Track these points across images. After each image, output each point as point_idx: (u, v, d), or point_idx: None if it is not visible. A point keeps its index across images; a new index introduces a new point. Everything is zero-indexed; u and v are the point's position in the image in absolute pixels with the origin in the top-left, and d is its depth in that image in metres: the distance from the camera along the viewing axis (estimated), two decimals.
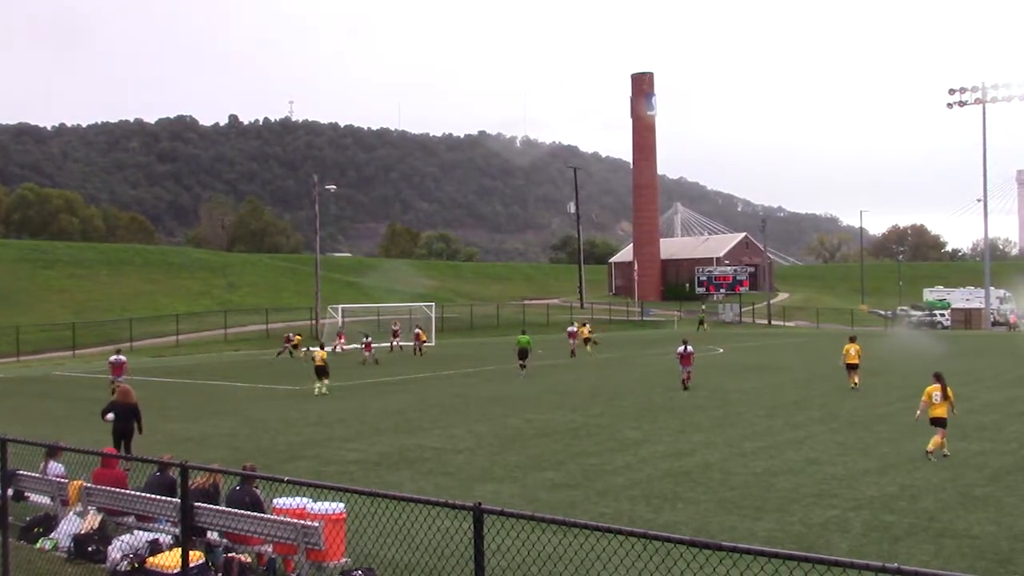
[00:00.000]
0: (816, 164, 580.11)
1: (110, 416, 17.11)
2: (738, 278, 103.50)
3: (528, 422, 22.85)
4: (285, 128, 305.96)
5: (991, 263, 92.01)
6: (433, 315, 63.97)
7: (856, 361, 29.37)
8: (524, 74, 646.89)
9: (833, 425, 21.62)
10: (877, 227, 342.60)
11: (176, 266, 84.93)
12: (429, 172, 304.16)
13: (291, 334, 53.00)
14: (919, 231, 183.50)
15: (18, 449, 11.78)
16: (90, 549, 10.93)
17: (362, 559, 9.95)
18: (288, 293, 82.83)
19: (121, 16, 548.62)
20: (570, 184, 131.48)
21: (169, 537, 10.66)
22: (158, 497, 10.63)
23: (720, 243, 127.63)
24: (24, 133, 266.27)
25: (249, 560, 10.24)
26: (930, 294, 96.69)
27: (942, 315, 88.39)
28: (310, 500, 9.97)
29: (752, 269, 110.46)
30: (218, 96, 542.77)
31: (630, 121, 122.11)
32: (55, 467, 12.64)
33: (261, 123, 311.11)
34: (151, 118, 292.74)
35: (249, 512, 9.92)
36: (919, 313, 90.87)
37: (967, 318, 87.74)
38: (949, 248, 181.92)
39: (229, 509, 10.06)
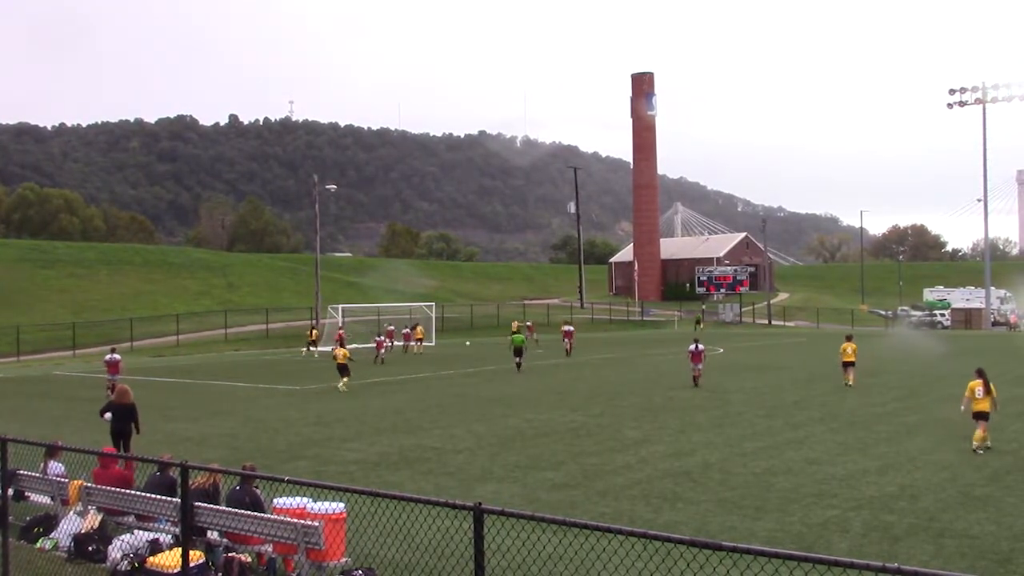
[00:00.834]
0: (816, 164, 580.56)
1: (108, 416, 17.11)
2: (738, 278, 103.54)
3: (528, 422, 22.85)
4: (285, 128, 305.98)
5: (991, 263, 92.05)
6: (433, 315, 64.01)
7: (852, 359, 30.23)
8: (524, 74, 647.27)
9: (833, 425, 21.62)
10: (877, 227, 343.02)
11: (176, 266, 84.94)
12: (429, 172, 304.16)
13: (315, 331, 53.94)
14: (919, 231, 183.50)
15: (18, 449, 11.79)
16: (90, 549, 10.93)
17: (362, 559, 9.95)
18: (288, 293, 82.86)
19: (121, 16, 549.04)
20: (570, 184, 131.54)
21: (169, 537, 10.66)
22: (158, 497, 10.63)
23: (720, 243, 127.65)
24: (24, 133, 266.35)
25: (249, 560, 10.24)
26: (930, 294, 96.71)
27: (942, 315, 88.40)
28: (310, 500, 9.97)
29: (752, 269, 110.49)
30: (218, 96, 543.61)
31: (630, 121, 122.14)
32: (55, 467, 12.64)
33: (261, 123, 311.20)
34: (151, 118, 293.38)
35: (249, 512, 9.92)
36: (919, 313, 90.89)
37: (967, 318, 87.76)
38: (949, 248, 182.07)
39: (229, 509, 10.06)
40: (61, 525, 11.64)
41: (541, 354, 49.37)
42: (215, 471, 10.74)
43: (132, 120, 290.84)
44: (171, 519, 10.51)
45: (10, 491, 11.72)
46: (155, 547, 10.46)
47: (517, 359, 38.98)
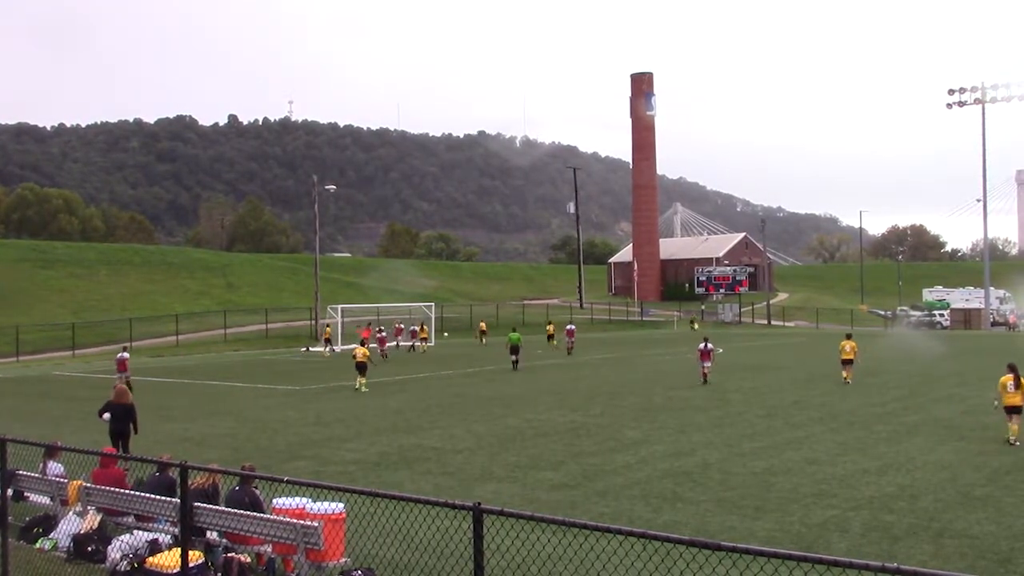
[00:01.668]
0: (816, 164, 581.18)
1: (106, 416, 17.09)
2: (737, 278, 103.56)
3: (527, 422, 22.84)
4: (284, 128, 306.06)
5: (990, 263, 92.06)
6: (433, 315, 64.02)
7: (851, 357, 31.01)
8: (523, 74, 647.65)
9: (832, 425, 21.61)
10: (876, 227, 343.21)
11: (176, 266, 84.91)
12: (428, 172, 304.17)
13: (366, 328, 54.49)
14: (918, 231, 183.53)
15: (17, 449, 11.77)
16: (89, 549, 10.92)
17: (361, 559, 9.95)
18: (287, 293, 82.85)
19: (121, 16, 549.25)
20: (569, 184, 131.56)
21: (168, 537, 10.65)
22: (157, 497, 10.62)
23: (720, 243, 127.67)
24: (24, 133, 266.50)
25: (248, 560, 10.23)
26: (929, 294, 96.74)
27: (941, 315, 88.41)
28: (309, 500, 9.96)
29: (751, 269, 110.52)
30: (217, 96, 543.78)
31: (629, 121, 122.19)
32: (54, 467, 12.63)
33: (260, 123, 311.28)
34: (150, 118, 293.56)
35: (248, 512, 9.92)
36: (918, 313, 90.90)
37: (966, 318, 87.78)
38: (948, 248, 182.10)
39: (228, 509, 10.05)
40: (60, 525, 11.63)
41: (540, 354, 49.38)
42: (214, 471, 10.72)
43: (131, 120, 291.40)
44: (170, 519, 10.50)
45: (9, 491, 11.71)
46: (154, 547, 10.45)
47: (513, 357, 39.76)
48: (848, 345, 31.11)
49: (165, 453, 13.81)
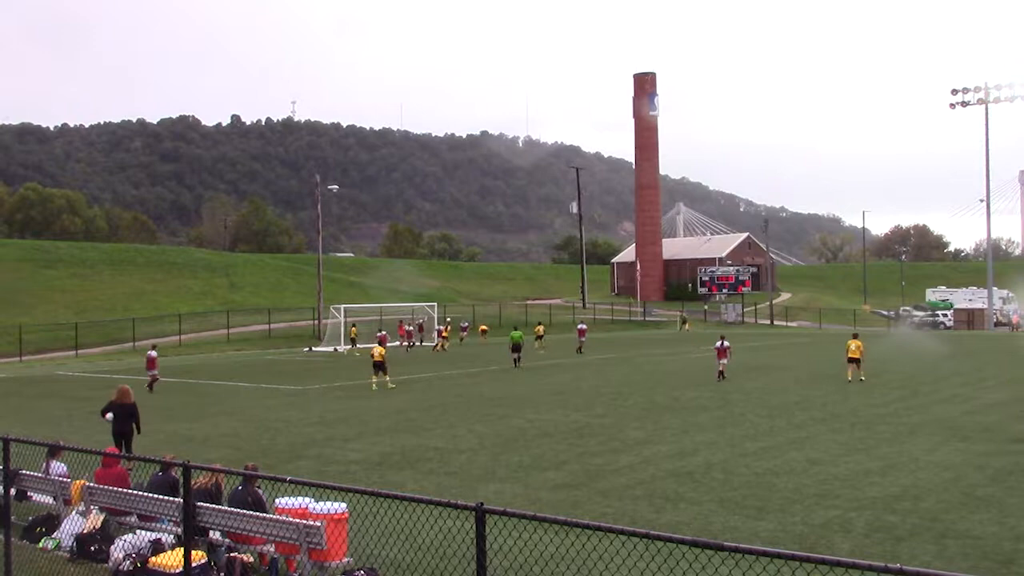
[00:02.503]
0: (819, 164, 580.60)
1: (109, 416, 17.10)
2: (740, 278, 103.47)
3: (530, 422, 22.84)
4: (287, 128, 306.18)
5: (994, 263, 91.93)
6: (435, 315, 64.06)
7: (857, 356, 31.58)
8: (526, 74, 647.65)
9: (835, 425, 21.59)
10: (880, 227, 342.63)
11: (178, 266, 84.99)
12: (431, 172, 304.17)
13: (412, 325, 55.06)
14: (922, 231, 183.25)
15: (20, 449, 11.79)
16: (92, 549, 10.93)
17: (364, 559, 9.95)
18: (290, 293, 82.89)
19: (124, 16, 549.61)
20: (572, 184, 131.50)
21: (171, 537, 10.67)
22: (160, 497, 10.64)
23: (722, 243, 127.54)
24: (27, 133, 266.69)
25: (251, 560, 10.24)
26: (933, 294, 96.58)
27: (945, 315, 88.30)
28: (312, 500, 9.97)
29: (754, 269, 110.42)
30: (220, 96, 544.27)
31: (632, 121, 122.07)
32: (57, 467, 12.64)
33: (263, 123, 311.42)
34: (153, 118, 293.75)
35: (251, 512, 9.93)
36: (922, 313, 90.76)
37: (970, 318, 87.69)
38: (952, 248, 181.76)
39: (231, 509, 10.06)
40: (63, 525, 11.64)
41: (544, 354, 49.38)
42: (217, 471, 10.74)
43: (134, 120, 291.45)
44: (173, 519, 10.51)
45: (12, 491, 11.73)
46: (157, 547, 10.46)
47: (515, 355, 40.95)
48: (854, 344, 31.74)
49: (168, 453, 13.82)
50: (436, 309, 65.85)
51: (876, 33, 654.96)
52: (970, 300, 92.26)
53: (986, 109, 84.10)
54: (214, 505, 10.21)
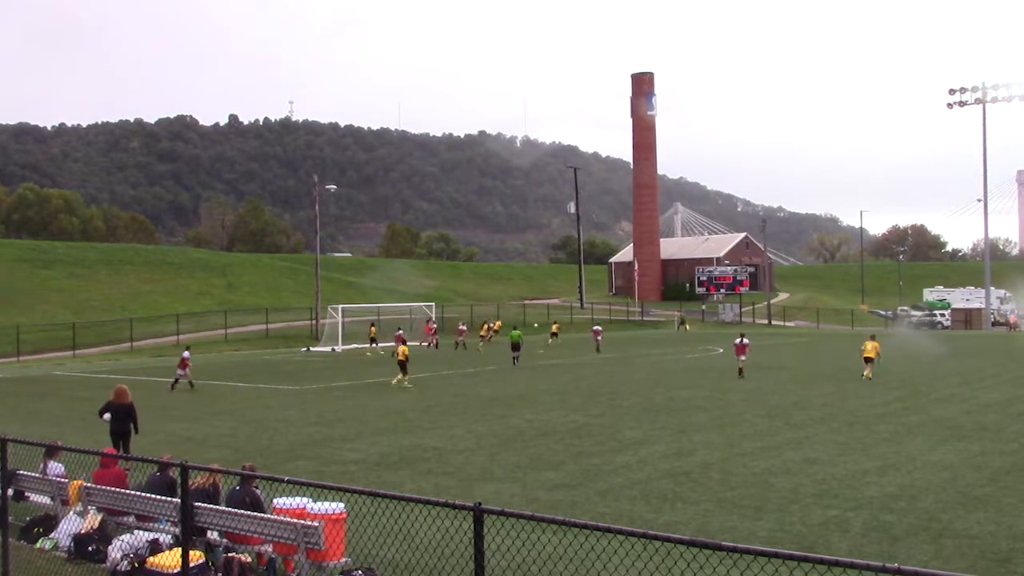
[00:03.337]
0: (816, 164, 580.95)
1: (107, 416, 17.09)
2: (738, 278, 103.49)
3: (528, 422, 22.85)
4: (285, 128, 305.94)
5: (991, 263, 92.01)
6: (433, 315, 64.03)
7: (873, 355, 32.85)
8: (524, 74, 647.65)
9: (833, 425, 21.61)
10: (877, 227, 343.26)
11: (176, 266, 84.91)
12: (429, 172, 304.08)
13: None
14: (919, 231, 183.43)
15: (18, 449, 11.77)
16: (90, 549, 10.92)
17: (362, 559, 9.95)
18: (288, 293, 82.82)
19: (121, 16, 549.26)
20: (570, 184, 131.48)
21: (169, 537, 10.66)
22: (158, 497, 10.63)
23: (720, 243, 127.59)
24: (24, 133, 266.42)
25: (249, 560, 10.24)
26: (930, 294, 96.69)
27: (942, 315, 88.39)
28: (310, 500, 9.97)
29: (752, 269, 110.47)
30: (218, 96, 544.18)
31: (630, 121, 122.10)
32: (55, 467, 12.63)
33: (261, 123, 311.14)
34: (151, 118, 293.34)
35: (249, 512, 9.92)
36: (919, 313, 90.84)
37: (967, 318, 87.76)
38: (949, 248, 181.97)
39: (229, 509, 10.06)
40: (61, 525, 11.63)
41: (542, 354, 49.41)
42: (215, 471, 10.73)
43: (132, 120, 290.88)
44: (171, 519, 10.51)
45: (10, 491, 11.72)
46: (155, 547, 10.46)
47: (515, 353, 42.22)
48: (870, 344, 33.02)
49: (166, 453, 13.81)
50: (434, 309, 65.81)
51: (874, 33, 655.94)
52: (967, 300, 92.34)
53: (983, 109, 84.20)
54: (212, 505, 10.20)
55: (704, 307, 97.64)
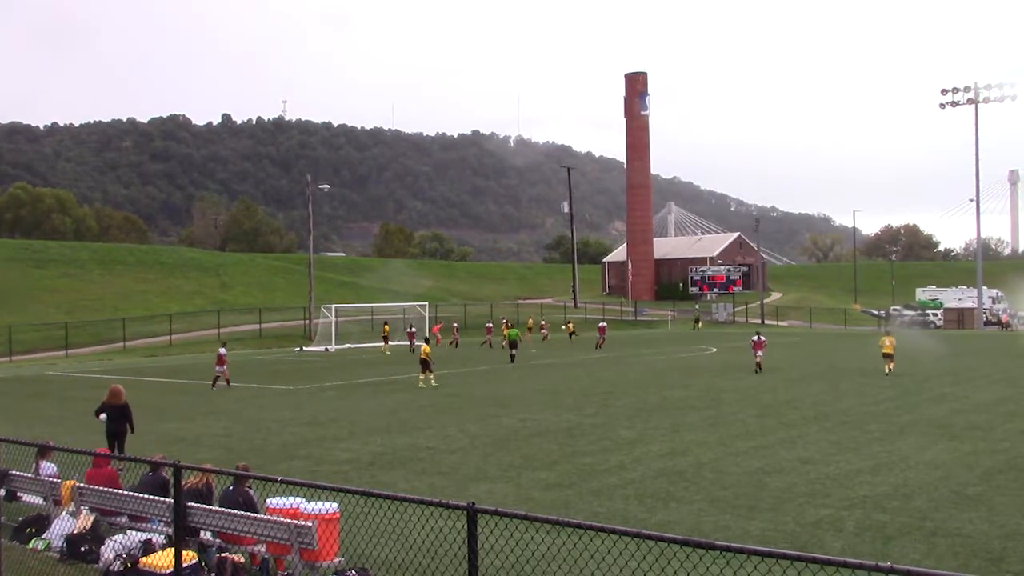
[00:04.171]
0: (809, 164, 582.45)
1: (103, 416, 17.06)
2: (731, 278, 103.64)
3: (522, 422, 22.85)
4: (278, 127, 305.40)
5: (983, 263, 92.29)
6: (427, 314, 63.98)
7: (890, 351, 34.27)
8: (518, 74, 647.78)
9: (826, 424, 21.66)
10: (870, 227, 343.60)
11: (169, 265, 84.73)
12: (423, 172, 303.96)
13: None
14: (912, 231, 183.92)
15: (10, 449, 11.75)
16: (83, 549, 10.89)
17: (356, 559, 9.94)
18: (281, 293, 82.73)
19: (114, 15, 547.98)
20: (564, 184, 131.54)
21: (162, 537, 10.64)
22: (151, 497, 10.61)
23: (714, 243, 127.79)
24: (16, 132, 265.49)
25: (242, 560, 10.22)
26: (923, 294, 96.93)
27: (935, 315, 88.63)
28: (303, 500, 9.95)
29: (745, 269, 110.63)
30: (211, 95, 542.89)
31: (624, 121, 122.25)
32: (47, 467, 12.59)
33: (254, 122, 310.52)
34: (144, 117, 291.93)
35: (242, 512, 9.90)
36: (912, 313, 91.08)
37: (960, 318, 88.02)
38: (942, 248, 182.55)
39: (222, 509, 10.04)
40: (53, 525, 11.60)
41: (535, 354, 49.42)
42: (208, 471, 10.71)
43: (125, 119, 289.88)
44: (164, 519, 10.48)
45: (2, 491, 11.69)
46: (148, 547, 10.43)
47: (512, 351, 43.77)
48: (887, 340, 34.68)
49: (159, 453, 13.78)
50: (427, 309, 65.78)
51: (866, 33, 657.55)
52: (960, 299, 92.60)
53: (976, 109, 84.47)
54: (205, 505, 10.18)
55: (697, 306, 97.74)
